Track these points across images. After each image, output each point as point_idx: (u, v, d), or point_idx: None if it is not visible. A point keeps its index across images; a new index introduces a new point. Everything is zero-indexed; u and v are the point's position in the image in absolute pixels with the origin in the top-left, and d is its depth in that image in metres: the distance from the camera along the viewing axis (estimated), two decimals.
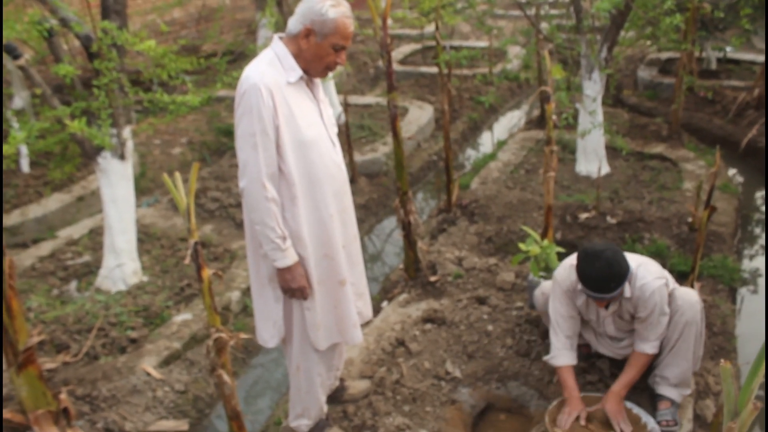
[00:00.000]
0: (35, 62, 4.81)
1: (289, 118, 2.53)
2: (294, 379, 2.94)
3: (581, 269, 2.91)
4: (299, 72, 2.57)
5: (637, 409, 3.04)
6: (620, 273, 2.87)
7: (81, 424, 3.37)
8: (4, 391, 3.47)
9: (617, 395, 3.06)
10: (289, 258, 2.59)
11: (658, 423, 3.04)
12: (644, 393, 3.24)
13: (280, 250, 2.56)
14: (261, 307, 2.81)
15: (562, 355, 3.13)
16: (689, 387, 3.18)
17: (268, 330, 2.81)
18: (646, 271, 3.00)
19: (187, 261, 2.22)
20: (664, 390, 3.15)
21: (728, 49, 8.36)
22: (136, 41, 3.80)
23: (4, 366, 3.15)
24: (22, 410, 3.18)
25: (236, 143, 2.53)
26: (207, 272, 2.34)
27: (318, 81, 2.73)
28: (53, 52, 4.16)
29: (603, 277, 2.85)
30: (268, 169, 2.50)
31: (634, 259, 3.06)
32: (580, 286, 2.98)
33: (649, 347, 3.04)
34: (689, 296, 3.04)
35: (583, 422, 3.04)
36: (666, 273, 3.09)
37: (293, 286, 2.64)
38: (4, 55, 4.12)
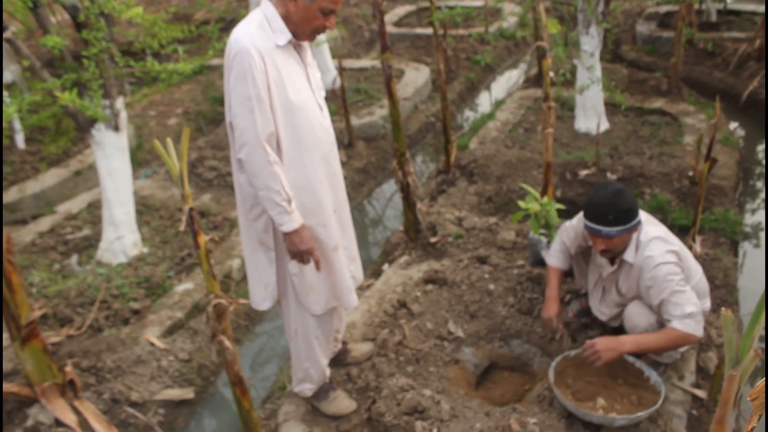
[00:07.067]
0: (22, 35, 4.72)
1: (278, 82, 2.48)
2: (293, 343, 2.95)
3: (589, 196, 2.96)
4: (288, 35, 2.51)
5: (639, 363, 3.04)
6: (622, 207, 2.84)
7: (87, 395, 3.39)
8: (11, 365, 3.50)
9: (617, 340, 2.93)
10: (296, 221, 2.56)
11: None
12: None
13: (286, 213, 2.52)
14: (252, 270, 2.80)
15: (554, 255, 3.35)
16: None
17: (259, 293, 2.80)
18: (659, 246, 2.90)
19: (182, 227, 2.20)
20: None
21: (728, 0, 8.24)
22: (123, 9, 3.73)
23: (8, 340, 3.17)
24: (29, 384, 3.21)
25: (231, 109, 2.47)
26: (203, 238, 2.33)
27: (306, 44, 2.67)
28: (40, 25, 4.08)
29: (605, 204, 2.86)
30: (266, 133, 2.45)
31: (656, 231, 2.98)
32: (583, 222, 2.99)
33: (678, 323, 2.85)
34: None
35: (560, 326, 3.25)
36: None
37: (302, 249, 2.60)
38: None
